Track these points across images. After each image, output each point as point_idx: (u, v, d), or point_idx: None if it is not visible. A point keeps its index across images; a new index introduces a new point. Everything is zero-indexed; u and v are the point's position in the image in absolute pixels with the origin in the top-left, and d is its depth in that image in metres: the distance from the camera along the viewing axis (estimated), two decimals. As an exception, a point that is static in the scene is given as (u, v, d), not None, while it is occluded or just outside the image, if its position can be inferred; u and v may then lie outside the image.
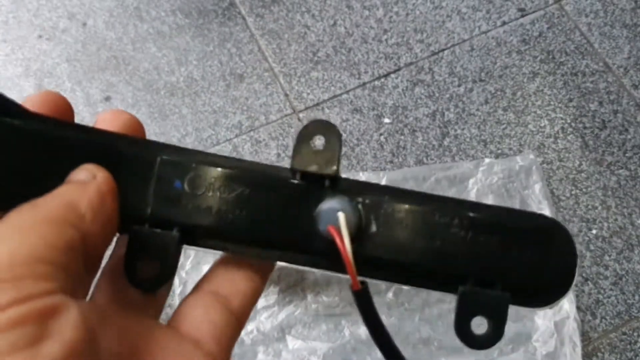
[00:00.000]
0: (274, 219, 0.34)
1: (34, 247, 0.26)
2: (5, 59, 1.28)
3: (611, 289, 1.11)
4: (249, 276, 0.36)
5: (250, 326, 1.05)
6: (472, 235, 0.34)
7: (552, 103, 1.25)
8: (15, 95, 1.16)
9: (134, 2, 1.34)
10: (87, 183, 0.31)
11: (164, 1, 1.35)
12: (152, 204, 0.33)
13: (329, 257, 0.33)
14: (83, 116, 1.23)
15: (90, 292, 0.34)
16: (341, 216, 0.32)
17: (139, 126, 0.37)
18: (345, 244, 0.32)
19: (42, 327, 0.24)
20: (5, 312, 0.24)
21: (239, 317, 0.35)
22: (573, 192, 1.18)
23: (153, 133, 1.21)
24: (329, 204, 0.33)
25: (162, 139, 1.19)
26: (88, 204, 0.30)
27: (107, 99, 1.25)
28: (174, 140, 1.20)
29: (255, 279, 0.36)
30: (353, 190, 0.34)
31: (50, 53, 1.29)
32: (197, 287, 0.35)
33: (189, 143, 1.21)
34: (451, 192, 1.14)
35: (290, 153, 1.17)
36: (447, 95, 1.26)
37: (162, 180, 0.34)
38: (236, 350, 1.02)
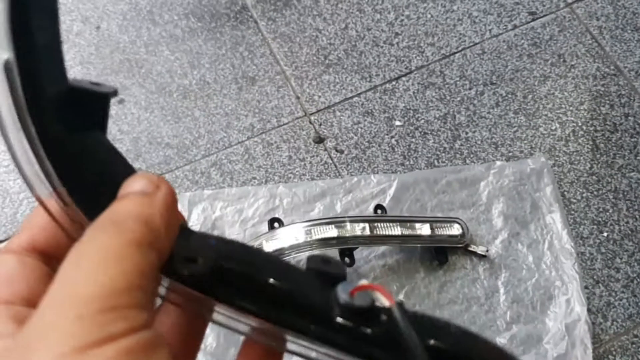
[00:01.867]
0: None
1: (129, 274, 0.26)
2: None
3: (622, 292, 1.11)
4: None
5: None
6: None
7: (563, 106, 1.25)
8: None
9: (147, 6, 1.35)
10: (154, 195, 0.30)
11: (177, 5, 1.35)
12: None
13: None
14: None
15: None
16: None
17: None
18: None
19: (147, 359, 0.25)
20: (119, 342, 0.24)
21: None
22: (584, 195, 1.18)
23: (166, 135, 1.22)
24: None
25: (175, 142, 1.20)
26: (161, 220, 0.29)
27: (121, 101, 1.25)
28: (186, 143, 1.21)
29: None
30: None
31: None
32: None
33: (202, 145, 1.21)
34: (462, 195, 1.14)
35: (301, 155, 1.19)
36: (458, 98, 1.26)
37: None
38: None
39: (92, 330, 0.24)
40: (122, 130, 1.22)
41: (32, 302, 0.30)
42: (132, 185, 0.30)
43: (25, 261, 0.31)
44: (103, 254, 0.26)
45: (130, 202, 0.29)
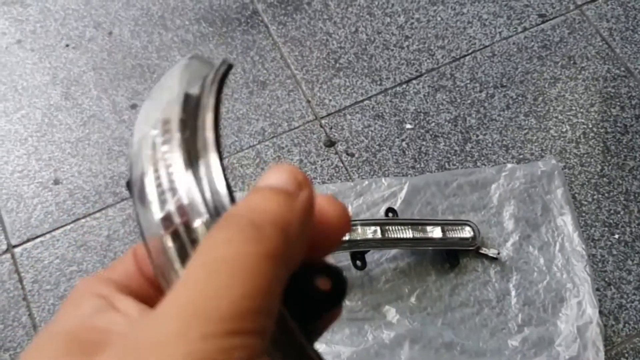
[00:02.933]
0: None
1: (262, 293, 0.23)
2: (33, 68, 1.30)
3: (634, 294, 1.11)
4: None
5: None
6: None
7: (573, 108, 1.26)
8: (43, 102, 1.17)
9: (158, 11, 1.36)
10: (295, 197, 0.26)
11: (188, 10, 1.36)
12: None
13: None
14: (109, 123, 1.25)
15: None
16: None
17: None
18: None
19: None
20: None
21: None
22: (595, 197, 1.18)
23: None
24: None
25: None
26: (298, 229, 0.25)
27: (133, 106, 1.26)
28: None
29: None
30: None
31: (77, 62, 1.31)
32: None
33: None
34: (473, 197, 1.15)
35: (312, 159, 1.19)
36: (469, 101, 1.26)
37: None
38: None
39: (213, 356, 0.21)
40: None
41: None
42: (274, 178, 0.27)
43: None
44: (239, 264, 0.23)
45: (270, 201, 0.26)
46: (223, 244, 0.24)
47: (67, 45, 1.33)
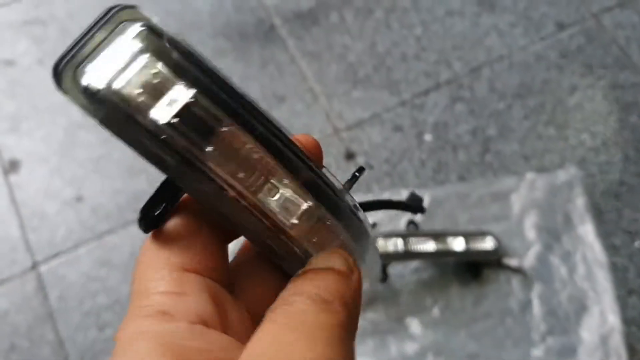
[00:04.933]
0: None
1: (333, 356, 0.27)
2: (54, 86, 1.30)
3: None
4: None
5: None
6: None
7: (592, 116, 1.26)
8: (64, 121, 1.18)
9: (176, 27, 1.34)
10: (351, 278, 0.31)
11: (206, 25, 1.37)
12: None
13: None
14: None
15: None
16: None
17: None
18: None
19: None
20: None
21: None
22: (616, 206, 1.18)
23: None
24: None
25: None
26: (354, 304, 0.30)
27: None
28: None
29: None
30: None
31: None
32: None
33: None
34: (494, 208, 1.15)
35: (332, 171, 1.19)
36: (488, 112, 1.27)
37: None
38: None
39: None
40: None
41: (215, 276, 0.33)
42: (334, 261, 0.31)
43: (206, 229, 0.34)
44: (317, 331, 0.27)
45: (335, 281, 0.30)
46: (301, 313, 0.28)
47: None
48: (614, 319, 1.07)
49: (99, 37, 0.32)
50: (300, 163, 0.34)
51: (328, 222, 0.34)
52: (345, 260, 0.32)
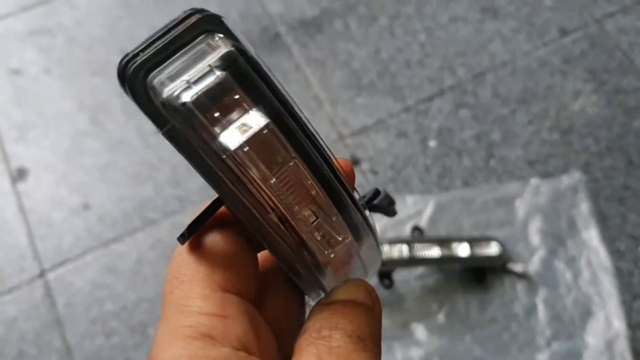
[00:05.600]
0: None
1: None
2: (61, 95, 1.33)
3: None
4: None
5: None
6: None
7: (596, 121, 1.26)
8: (71, 129, 1.19)
9: None
10: (374, 311, 0.33)
11: None
12: None
13: None
14: (136, 148, 1.27)
15: None
16: None
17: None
18: None
19: None
20: None
21: None
22: (620, 210, 1.19)
23: None
24: None
25: None
26: (378, 337, 0.32)
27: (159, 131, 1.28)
28: None
29: None
30: None
31: (103, 88, 1.33)
32: None
33: None
34: (499, 213, 1.16)
35: None
36: (492, 117, 1.27)
37: None
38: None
39: None
40: (161, 158, 1.25)
41: (250, 296, 0.33)
42: (360, 295, 0.33)
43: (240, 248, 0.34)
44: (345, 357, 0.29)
45: (366, 318, 0.32)
46: (340, 349, 0.30)
47: (94, 72, 1.36)
48: (619, 324, 1.07)
49: (176, 43, 0.31)
50: (349, 201, 0.34)
51: (355, 250, 0.35)
52: (370, 294, 0.33)
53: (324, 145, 0.34)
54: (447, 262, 1.09)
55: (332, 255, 0.34)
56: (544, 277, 1.12)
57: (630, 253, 1.15)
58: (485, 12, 1.39)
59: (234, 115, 0.31)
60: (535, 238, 1.15)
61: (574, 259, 1.13)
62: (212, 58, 0.31)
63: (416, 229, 1.13)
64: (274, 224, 0.32)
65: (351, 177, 0.37)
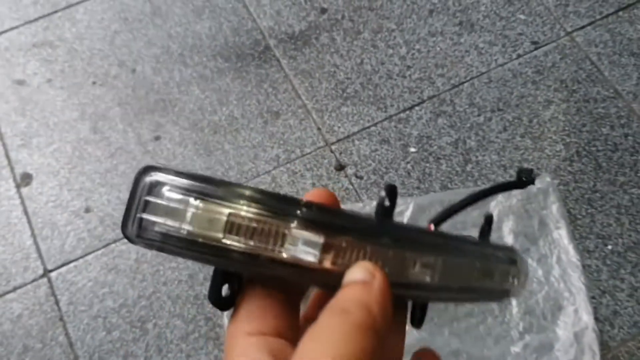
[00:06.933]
0: None
1: (354, 353, 0.30)
2: (63, 104, 1.35)
3: (627, 301, 1.16)
4: None
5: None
6: None
7: (566, 128, 1.30)
8: (73, 136, 1.23)
9: (178, 49, 1.41)
10: (371, 284, 0.33)
11: (206, 47, 1.41)
12: None
13: None
14: (135, 154, 1.30)
15: None
16: None
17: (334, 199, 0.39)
18: None
19: None
20: None
21: None
22: (589, 211, 1.23)
23: (199, 168, 1.28)
24: None
25: (207, 174, 1.24)
26: (377, 306, 0.32)
27: (157, 138, 1.31)
28: (218, 174, 1.27)
29: None
30: None
31: (103, 98, 1.36)
32: None
33: (232, 176, 1.27)
34: (474, 215, 1.17)
35: (324, 182, 1.24)
36: (468, 125, 1.31)
37: None
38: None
39: None
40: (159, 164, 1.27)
41: (281, 333, 0.35)
42: (354, 275, 0.33)
43: (272, 295, 0.36)
44: (333, 336, 0.30)
45: (353, 290, 0.33)
46: (322, 324, 0.31)
47: (94, 83, 1.37)
48: (587, 318, 1.10)
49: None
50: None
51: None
52: (365, 269, 0.33)
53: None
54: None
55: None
56: (517, 274, 1.14)
57: (598, 251, 1.19)
58: (462, 25, 1.42)
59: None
60: (509, 238, 1.17)
61: (545, 257, 1.15)
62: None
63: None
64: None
65: (335, 204, 0.39)
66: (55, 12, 1.47)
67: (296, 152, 1.30)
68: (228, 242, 0.33)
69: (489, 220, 0.45)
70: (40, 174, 1.29)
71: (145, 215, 0.34)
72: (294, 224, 0.34)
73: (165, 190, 0.34)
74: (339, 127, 1.32)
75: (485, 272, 0.40)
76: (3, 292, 1.19)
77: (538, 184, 1.22)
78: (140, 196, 0.34)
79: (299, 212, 0.34)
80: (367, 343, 0.31)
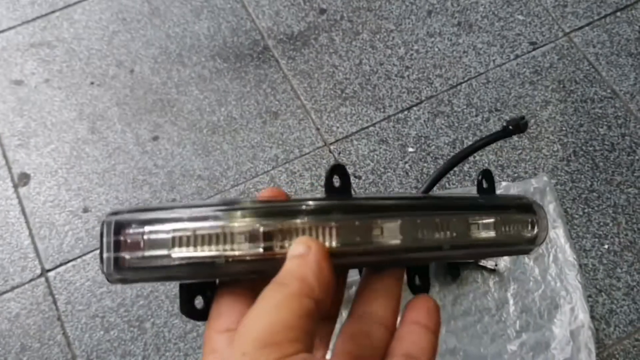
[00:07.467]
0: None
1: (285, 318, 0.33)
2: (61, 105, 1.35)
3: (623, 299, 1.16)
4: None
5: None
6: None
7: (563, 129, 1.30)
8: (71, 136, 1.22)
9: (176, 49, 1.41)
10: (306, 256, 0.36)
11: (204, 47, 1.41)
12: None
13: None
14: (133, 154, 1.29)
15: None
16: None
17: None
18: None
19: None
20: None
21: None
22: (585, 211, 1.23)
23: (197, 168, 1.27)
24: None
25: (205, 174, 1.26)
26: (313, 275, 0.35)
27: (155, 138, 1.31)
28: (216, 174, 1.27)
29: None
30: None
31: (101, 98, 1.35)
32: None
33: (230, 176, 1.27)
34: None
35: (323, 182, 1.20)
36: (466, 125, 1.31)
37: None
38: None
39: None
40: (157, 164, 1.28)
41: None
42: (292, 250, 0.37)
43: (240, 294, 0.39)
44: (267, 306, 0.34)
45: (290, 263, 0.36)
46: (260, 299, 0.35)
47: (92, 83, 1.37)
48: (583, 316, 1.10)
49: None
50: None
51: None
52: (303, 243, 0.37)
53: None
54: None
55: None
56: (515, 272, 1.14)
57: (595, 250, 1.20)
58: (460, 26, 1.42)
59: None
60: (506, 237, 1.16)
61: (542, 256, 1.15)
62: None
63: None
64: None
65: (282, 196, 0.42)
66: (53, 12, 1.46)
67: (295, 152, 1.30)
68: (175, 255, 0.36)
69: (486, 174, 0.46)
70: (38, 173, 1.29)
71: (113, 255, 0.37)
72: (235, 223, 0.36)
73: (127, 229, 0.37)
74: (338, 127, 1.32)
75: (489, 225, 0.41)
76: (1, 291, 1.18)
77: (535, 183, 1.22)
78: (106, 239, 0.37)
79: (239, 212, 0.37)
80: (301, 309, 0.34)
